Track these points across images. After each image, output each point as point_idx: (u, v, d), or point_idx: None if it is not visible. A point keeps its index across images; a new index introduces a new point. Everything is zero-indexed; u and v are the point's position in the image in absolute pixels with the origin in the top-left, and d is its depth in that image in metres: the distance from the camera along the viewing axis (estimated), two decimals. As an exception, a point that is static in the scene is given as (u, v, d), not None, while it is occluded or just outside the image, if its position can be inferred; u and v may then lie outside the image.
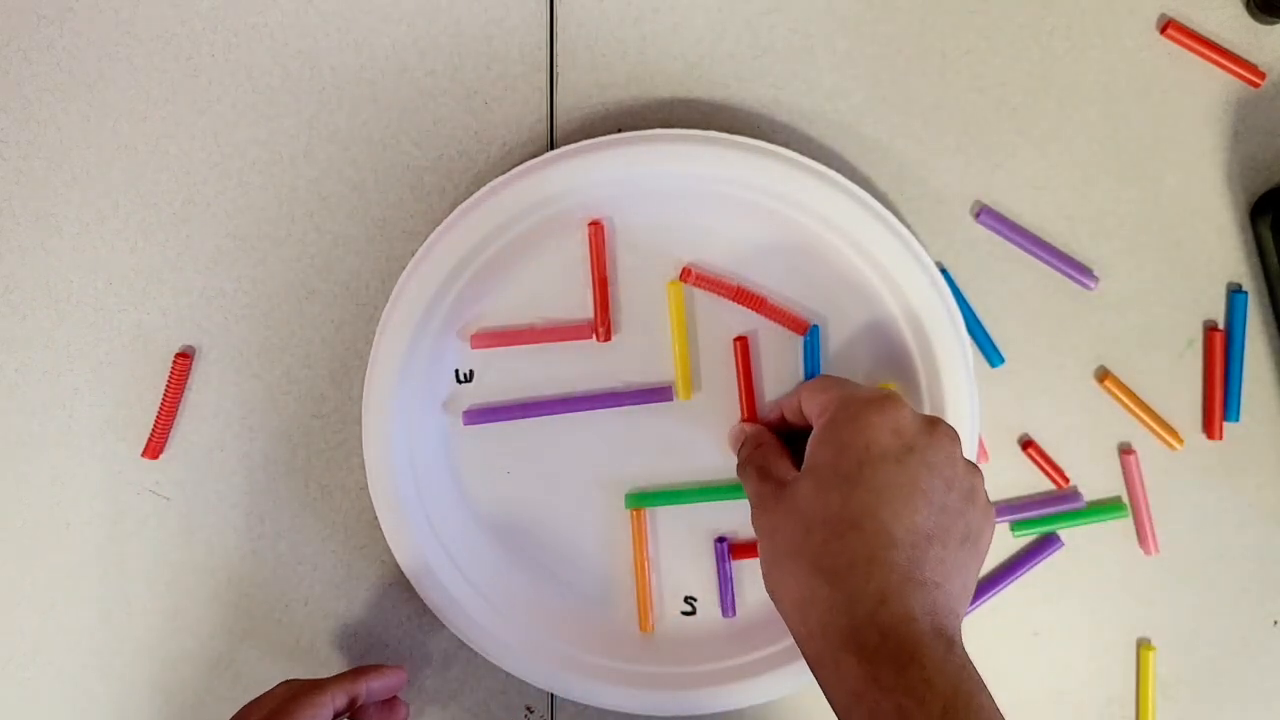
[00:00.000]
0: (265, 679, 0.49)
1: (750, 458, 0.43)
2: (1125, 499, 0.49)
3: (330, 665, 0.49)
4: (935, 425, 0.37)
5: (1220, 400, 0.48)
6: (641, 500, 0.48)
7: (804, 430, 0.41)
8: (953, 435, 0.38)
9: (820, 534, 0.35)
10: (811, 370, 0.47)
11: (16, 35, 0.47)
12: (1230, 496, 0.49)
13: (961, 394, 0.45)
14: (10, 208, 0.47)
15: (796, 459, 0.41)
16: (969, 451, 0.46)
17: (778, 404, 0.45)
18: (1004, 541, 0.49)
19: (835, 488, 0.36)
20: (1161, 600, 0.49)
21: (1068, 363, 0.48)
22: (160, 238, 0.47)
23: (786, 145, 0.45)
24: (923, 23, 0.47)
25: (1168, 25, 0.47)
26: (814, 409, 0.39)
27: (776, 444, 0.43)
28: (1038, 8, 0.47)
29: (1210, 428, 0.48)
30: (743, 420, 0.46)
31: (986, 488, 0.39)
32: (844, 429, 0.37)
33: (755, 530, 0.40)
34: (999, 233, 0.47)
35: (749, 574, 0.48)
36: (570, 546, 0.48)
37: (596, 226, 0.46)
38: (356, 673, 0.44)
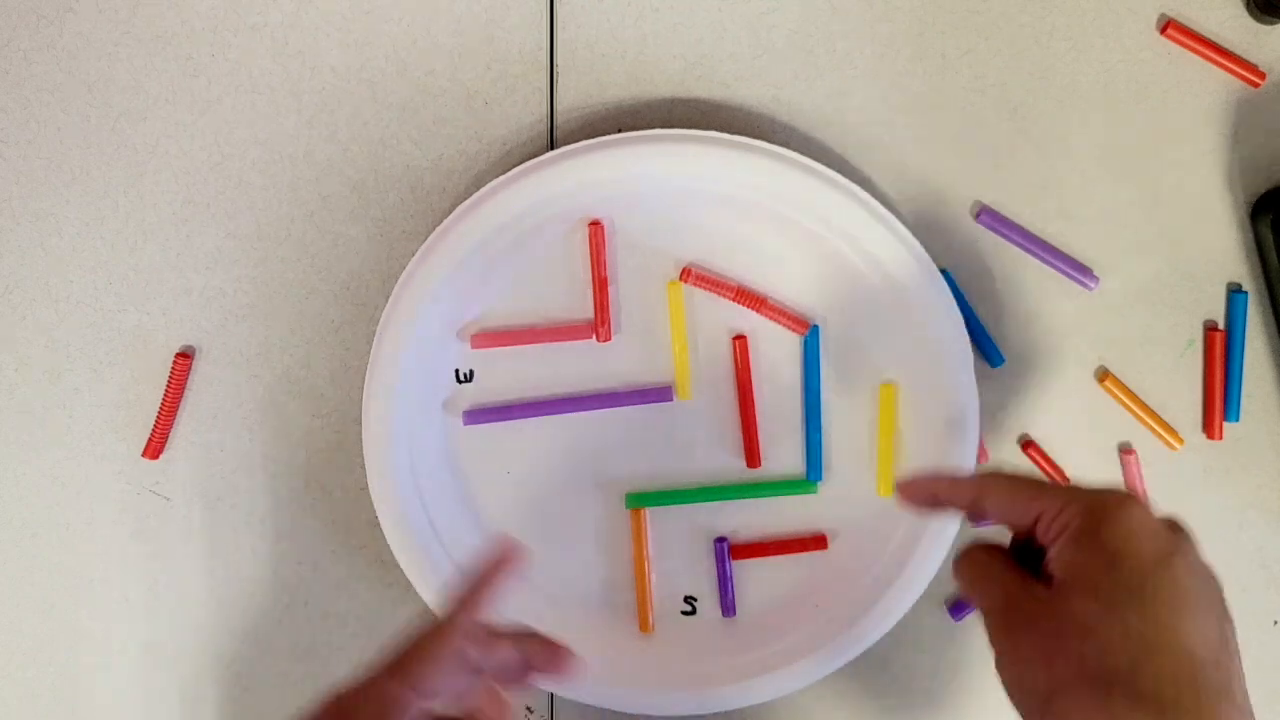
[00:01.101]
0: (265, 679, 0.49)
1: (978, 553, 0.37)
2: (1125, 499, 0.49)
3: (330, 665, 0.49)
4: (1175, 521, 0.35)
5: (1220, 400, 0.48)
6: (641, 500, 0.48)
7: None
8: (1189, 531, 0.35)
9: (1124, 656, 0.31)
10: (811, 370, 0.47)
11: (16, 35, 0.47)
12: (1230, 496, 0.49)
13: (961, 394, 0.45)
14: (10, 208, 0.47)
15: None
16: (972, 455, 0.46)
17: (928, 485, 0.38)
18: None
19: (1126, 603, 0.32)
20: (1161, 600, 0.49)
21: (1068, 363, 0.48)
22: (160, 238, 0.47)
23: (786, 145, 0.45)
24: (923, 23, 0.47)
25: (1168, 25, 0.47)
26: (1024, 512, 0.35)
27: (1003, 556, 0.36)
28: (1038, 8, 0.47)
29: (1210, 428, 0.48)
30: (962, 553, 0.37)
31: None
32: (1108, 536, 0.33)
33: (1000, 646, 0.34)
34: (999, 233, 0.47)
35: (749, 574, 0.48)
36: (570, 546, 0.48)
37: (596, 226, 0.46)
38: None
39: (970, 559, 0.37)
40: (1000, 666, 0.34)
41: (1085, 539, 0.33)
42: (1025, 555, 0.36)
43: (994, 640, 0.35)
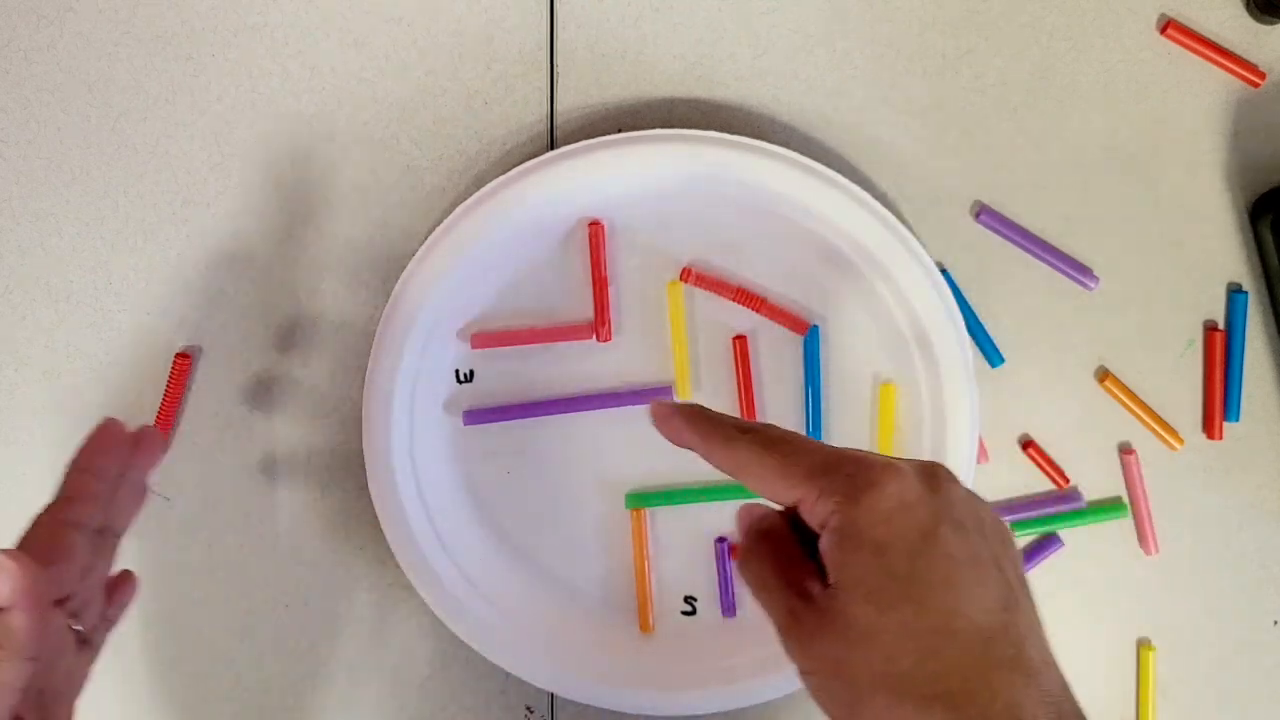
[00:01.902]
0: (265, 679, 0.49)
1: (756, 555, 0.34)
2: (1125, 499, 0.49)
3: (330, 665, 0.49)
4: (934, 475, 0.32)
5: (1220, 400, 0.48)
6: (641, 500, 0.48)
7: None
8: (948, 473, 0.33)
9: (909, 657, 0.30)
10: (811, 370, 0.47)
11: (16, 35, 0.47)
12: (1230, 496, 0.49)
13: (961, 394, 0.45)
14: (10, 208, 0.47)
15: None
16: (969, 464, 0.46)
17: (683, 435, 0.36)
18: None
19: (899, 596, 0.30)
20: (1161, 600, 0.49)
21: (1068, 363, 0.48)
22: (160, 238, 0.47)
23: (786, 145, 0.45)
24: (923, 23, 0.47)
25: (1168, 25, 0.47)
26: (781, 496, 0.33)
27: (792, 539, 0.34)
28: (1038, 8, 0.47)
29: (1210, 428, 0.48)
30: (745, 509, 0.36)
31: (983, 490, 0.35)
32: (867, 527, 0.31)
33: (796, 661, 0.32)
34: (999, 233, 0.47)
35: (749, 574, 0.48)
36: (570, 546, 0.48)
37: (596, 226, 0.46)
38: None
39: (748, 565, 0.34)
40: (802, 680, 0.33)
41: (846, 535, 0.31)
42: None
43: (788, 656, 0.33)
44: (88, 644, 0.39)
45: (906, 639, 0.30)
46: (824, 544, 0.32)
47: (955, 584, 0.30)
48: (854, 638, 0.31)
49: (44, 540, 0.37)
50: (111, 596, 0.40)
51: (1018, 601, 0.31)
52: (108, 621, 0.40)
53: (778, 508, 0.34)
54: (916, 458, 0.34)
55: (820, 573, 0.32)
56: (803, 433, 0.35)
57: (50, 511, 0.37)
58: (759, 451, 0.33)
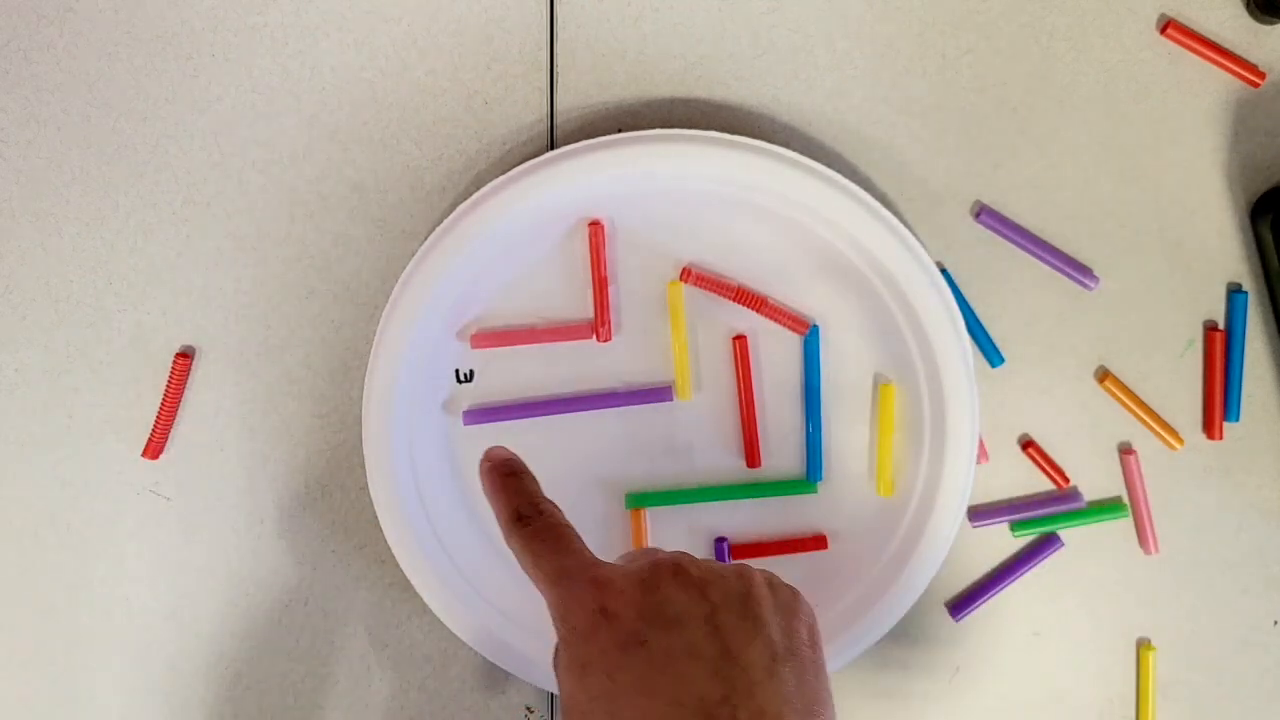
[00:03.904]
0: (265, 679, 0.49)
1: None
2: (1125, 499, 0.49)
3: (330, 665, 0.49)
4: (653, 575, 0.32)
5: (1220, 400, 0.48)
6: (641, 500, 0.48)
7: None
8: (674, 568, 0.32)
9: None
10: (811, 370, 0.47)
11: (16, 35, 0.47)
12: (1230, 496, 0.49)
13: (961, 394, 0.45)
14: (10, 208, 0.47)
15: None
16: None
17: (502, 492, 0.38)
18: (1004, 541, 0.49)
19: (598, 715, 0.30)
20: (1161, 600, 0.49)
21: (1068, 363, 0.48)
22: (160, 238, 0.47)
23: (786, 145, 0.45)
24: (923, 23, 0.47)
25: (1168, 25, 0.47)
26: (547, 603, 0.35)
27: None
28: (1038, 8, 0.47)
29: (1210, 428, 0.48)
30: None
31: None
32: (573, 647, 0.32)
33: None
34: (999, 233, 0.47)
35: (749, 574, 0.48)
36: (570, 546, 0.48)
37: (596, 226, 0.46)
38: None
39: None
40: None
41: (561, 655, 0.33)
42: None
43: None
44: None
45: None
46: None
47: (649, 690, 0.30)
48: None
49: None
50: None
51: (750, 690, 0.30)
52: None
53: None
54: (659, 553, 0.34)
55: None
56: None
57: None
58: (521, 547, 0.34)
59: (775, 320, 0.47)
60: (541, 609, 0.48)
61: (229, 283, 0.48)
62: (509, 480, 0.36)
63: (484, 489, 0.37)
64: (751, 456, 0.48)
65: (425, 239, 0.45)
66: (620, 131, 0.45)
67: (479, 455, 0.48)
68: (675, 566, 0.32)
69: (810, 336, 0.47)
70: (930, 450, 0.46)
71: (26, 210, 0.47)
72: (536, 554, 0.34)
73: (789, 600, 0.33)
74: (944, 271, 0.47)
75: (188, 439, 0.48)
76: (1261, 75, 0.47)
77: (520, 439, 0.48)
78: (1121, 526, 0.49)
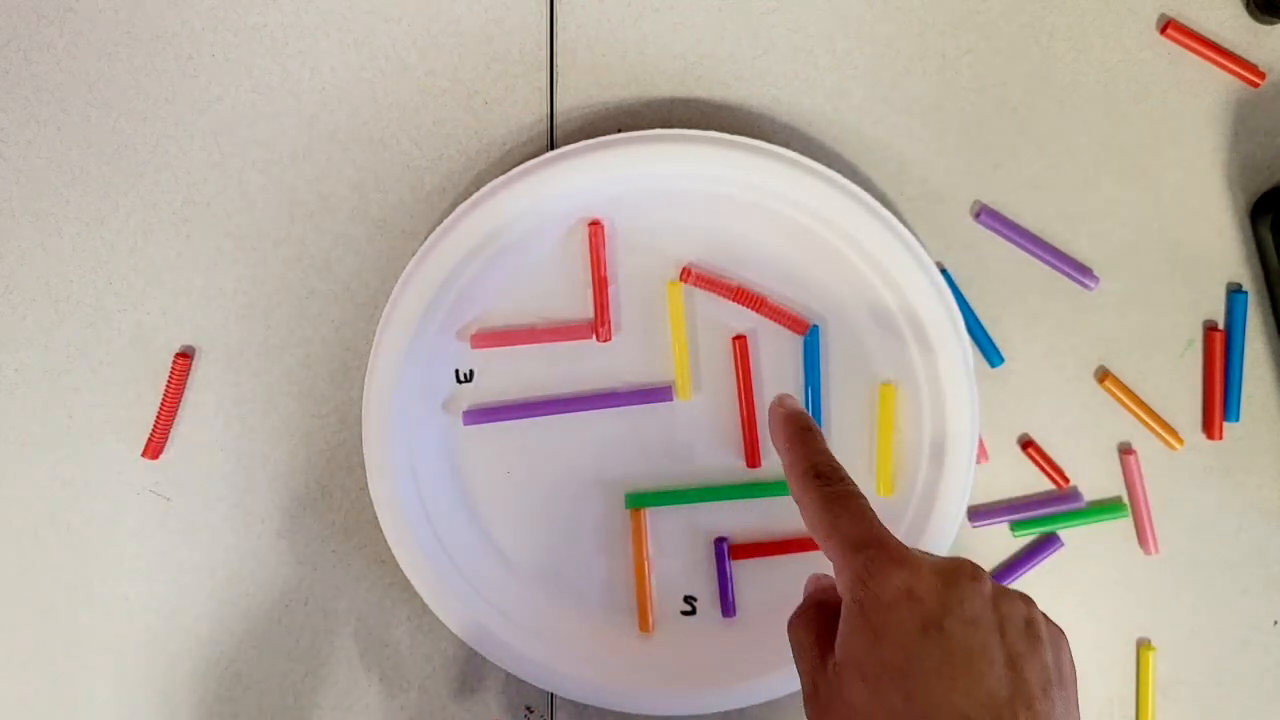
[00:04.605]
0: (265, 679, 0.49)
1: (802, 620, 0.36)
2: (1125, 499, 0.49)
3: (330, 665, 0.49)
4: (955, 572, 0.33)
5: (1220, 400, 0.48)
6: (641, 500, 0.48)
7: None
8: (973, 572, 0.33)
9: None
10: (811, 370, 0.47)
11: (16, 35, 0.47)
12: (1230, 496, 0.49)
13: (961, 394, 0.45)
14: (10, 208, 0.47)
15: None
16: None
17: (780, 437, 0.38)
18: (1004, 541, 0.49)
19: (889, 683, 0.31)
20: (1161, 600, 0.49)
21: (1068, 363, 0.48)
22: (160, 238, 0.47)
23: (786, 145, 0.45)
24: (923, 23, 0.47)
25: (1168, 25, 0.47)
26: (834, 562, 0.34)
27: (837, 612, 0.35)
28: (1038, 8, 0.47)
29: (1210, 428, 0.48)
30: (815, 576, 0.39)
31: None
32: (871, 612, 0.32)
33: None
34: (999, 233, 0.47)
35: (749, 574, 0.48)
36: (570, 546, 0.48)
37: (596, 226, 0.46)
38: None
39: (794, 628, 0.36)
40: None
41: (853, 615, 0.33)
42: None
43: (806, 710, 0.35)
44: None
45: None
46: (840, 620, 0.33)
47: (950, 675, 0.31)
48: (849, 715, 0.32)
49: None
50: None
51: (1030, 702, 0.31)
52: None
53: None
54: (956, 555, 0.35)
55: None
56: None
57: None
58: (819, 504, 0.35)
59: (775, 320, 0.47)
60: (541, 609, 0.48)
61: (229, 283, 0.48)
62: (805, 434, 0.37)
63: (773, 433, 0.38)
64: (751, 456, 0.48)
65: (425, 239, 0.45)
66: (620, 131, 0.45)
67: (479, 455, 0.48)
68: (975, 570, 0.33)
69: (810, 336, 0.47)
70: (930, 450, 0.46)
71: (26, 210, 0.47)
72: (837, 515, 0.34)
73: (1058, 637, 0.35)
74: (944, 271, 0.47)
75: (188, 439, 0.48)
76: (1261, 75, 0.47)
77: (520, 439, 0.48)
78: (1121, 526, 0.49)
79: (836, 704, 0.33)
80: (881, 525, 0.35)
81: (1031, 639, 0.33)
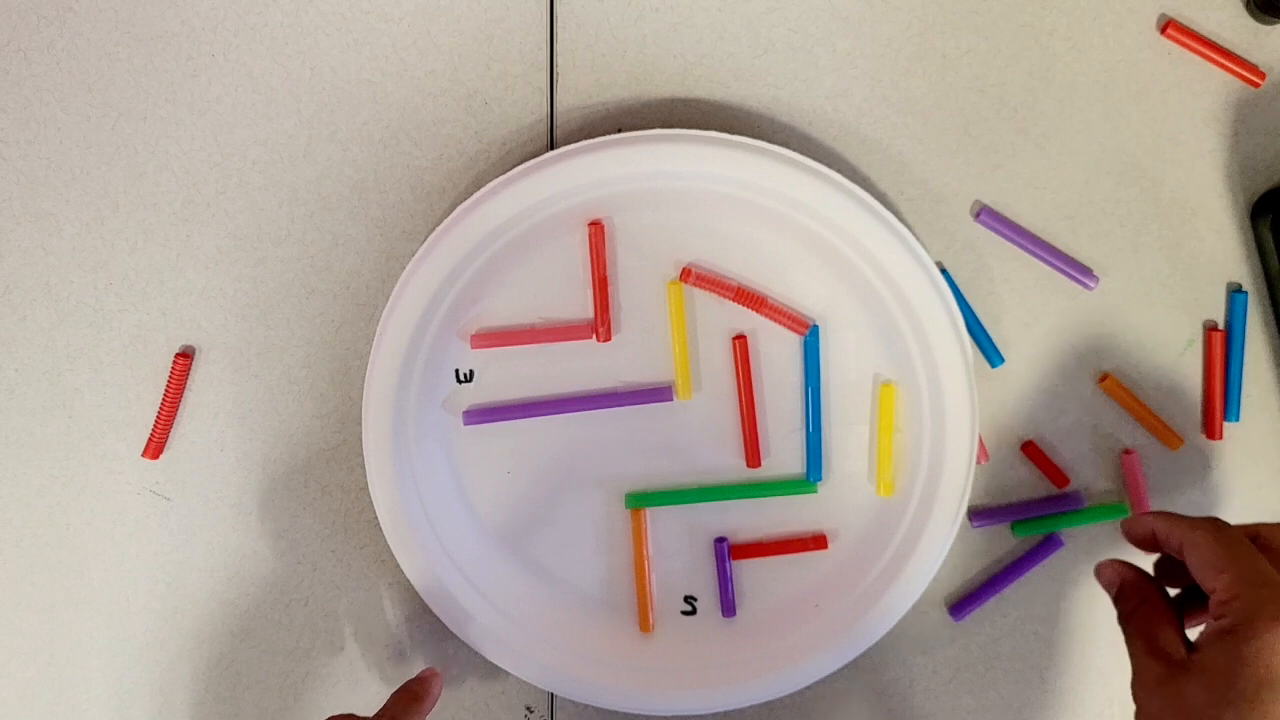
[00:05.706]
0: (265, 679, 0.49)
1: (1134, 618, 0.39)
2: (1125, 499, 0.49)
3: (330, 665, 0.49)
4: None
5: (1220, 400, 0.48)
6: (641, 500, 0.48)
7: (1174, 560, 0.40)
8: None
9: None
10: (811, 370, 0.47)
11: (16, 35, 0.47)
12: (1230, 496, 0.49)
13: (961, 394, 0.45)
14: (10, 208, 0.47)
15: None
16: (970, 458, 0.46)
17: (1150, 523, 0.40)
18: (1004, 541, 0.49)
19: (1229, 705, 0.34)
20: (1161, 600, 0.49)
21: (1068, 363, 0.48)
22: (160, 238, 0.47)
23: (786, 145, 0.45)
24: (923, 23, 0.47)
25: (1168, 25, 0.47)
26: (1207, 580, 0.37)
27: (1162, 606, 0.39)
28: (1038, 8, 0.47)
29: (1210, 428, 0.48)
30: (1115, 563, 0.41)
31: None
32: (1247, 645, 0.35)
33: (1135, 699, 0.38)
34: (999, 233, 0.47)
35: (749, 574, 0.48)
36: (570, 546, 0.48)
37: (596, 226, 0.46)
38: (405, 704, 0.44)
39: (1132, 622, 0.39)
40: (1137, 710, 0.38)
41: (1231, 638, 0.35)
42: (1167, 568, 0.40)
43: (1134, 688, 0.38)
44: None
45: None
46: (1212, 628, 0.36)
47: None
48: (1175, 704, 0.36)
49: None
50: None
51: None
52: None
53: (1140, 568, 0.40)
54: None
55: (1182, 635, 0.38)
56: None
57: None
58: (1212, 537, 0.38)
59: (775, 320, 0.47)
60: (541, 609, 0.48)
61: (229, 283, 0.48)
62: (1164, 513, 0.40)
63: (1136, 527, 0.41)
64: (751, 456, 0.48)
65: (425, 239, 0.45)
66: (620, 131, 0.45)
67: (479, 455, 0.48)
68: None
69: (810, 336, 0.47)
70: (930, 450, 0.46)
71: (26, 210, 0.47)
72: (1229, 546, 0.37)
73: None
74: (944, 271, 0.47)
75: (188, 439, 0.48)
76: (1261, 75, 0.47)
77: (520, 439, 0.48)
78: (1121, 526, 0.49)
79: (1174, 693, 0.36)
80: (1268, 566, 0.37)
81: None
